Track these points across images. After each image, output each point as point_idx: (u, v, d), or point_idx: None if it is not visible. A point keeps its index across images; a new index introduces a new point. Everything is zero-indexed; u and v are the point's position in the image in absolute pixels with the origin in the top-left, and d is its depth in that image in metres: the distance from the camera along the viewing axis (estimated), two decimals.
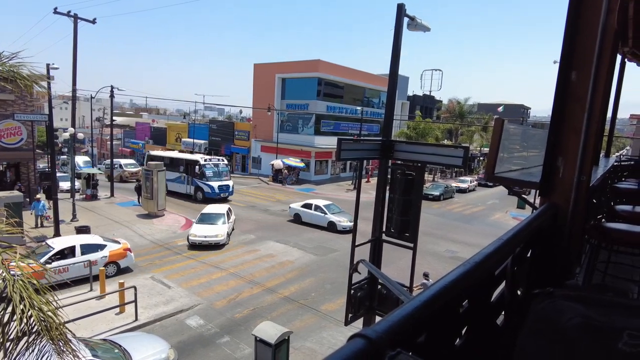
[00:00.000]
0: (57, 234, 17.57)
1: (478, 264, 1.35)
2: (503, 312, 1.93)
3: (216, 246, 17.47)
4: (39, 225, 19.14)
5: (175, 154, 31.09)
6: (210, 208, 19.94)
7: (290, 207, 23.54)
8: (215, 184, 27.05)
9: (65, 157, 40.37)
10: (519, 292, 2.08)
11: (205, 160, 27.83)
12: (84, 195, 26.06)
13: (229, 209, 20.70)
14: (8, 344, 4.47)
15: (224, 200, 27.10)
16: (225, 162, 29.88)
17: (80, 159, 39.71)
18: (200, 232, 17.72)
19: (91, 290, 12.55)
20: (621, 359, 1.00)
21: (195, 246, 17.40)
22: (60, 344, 4.68)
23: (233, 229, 20.05)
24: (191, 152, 31.90)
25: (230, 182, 28.26)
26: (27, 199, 21.77)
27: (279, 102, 41.42)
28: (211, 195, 26.69)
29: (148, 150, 37.21)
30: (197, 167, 27.42)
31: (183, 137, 49.02)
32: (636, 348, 0.99)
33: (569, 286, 1.85)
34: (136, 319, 10.99)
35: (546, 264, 2.42)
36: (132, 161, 42.61)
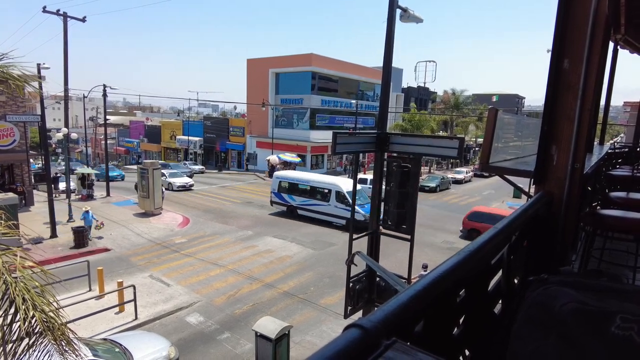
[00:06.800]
0: (53, 234, 17.52)
1: (473, 253, 1.36)
2: (500, 301, 1.94)
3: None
4: (90, 237, 17.38)
5: None
6: None
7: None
8: None
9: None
10: (515, 281, 2.09)
11: None
12: (80, 196, 25.94)
13: None
14: (11, 344, 4.48)
15: None
16: None
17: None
18: None
19: (90, 290, 12.53)
20: (613, 342, 1.01)
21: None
22: (63, 344, 4.69)
23: None
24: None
25: None
26: (23, 201, 21.64)
27: (273, 97, 41.23)
28: None
29: None
30: None
31: (178, 135, 48.85)
32: (628, 331, 1.00)
33: (564, 273, 1.87)
34: (136, 318, 11.00)
35: (542, 252, 2.44)
36: None
